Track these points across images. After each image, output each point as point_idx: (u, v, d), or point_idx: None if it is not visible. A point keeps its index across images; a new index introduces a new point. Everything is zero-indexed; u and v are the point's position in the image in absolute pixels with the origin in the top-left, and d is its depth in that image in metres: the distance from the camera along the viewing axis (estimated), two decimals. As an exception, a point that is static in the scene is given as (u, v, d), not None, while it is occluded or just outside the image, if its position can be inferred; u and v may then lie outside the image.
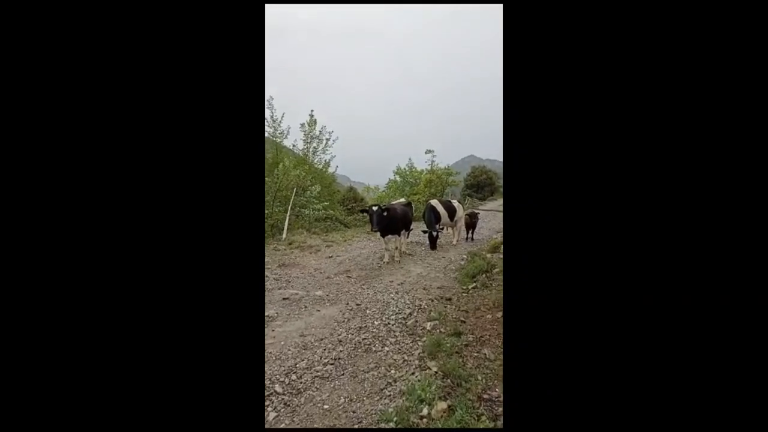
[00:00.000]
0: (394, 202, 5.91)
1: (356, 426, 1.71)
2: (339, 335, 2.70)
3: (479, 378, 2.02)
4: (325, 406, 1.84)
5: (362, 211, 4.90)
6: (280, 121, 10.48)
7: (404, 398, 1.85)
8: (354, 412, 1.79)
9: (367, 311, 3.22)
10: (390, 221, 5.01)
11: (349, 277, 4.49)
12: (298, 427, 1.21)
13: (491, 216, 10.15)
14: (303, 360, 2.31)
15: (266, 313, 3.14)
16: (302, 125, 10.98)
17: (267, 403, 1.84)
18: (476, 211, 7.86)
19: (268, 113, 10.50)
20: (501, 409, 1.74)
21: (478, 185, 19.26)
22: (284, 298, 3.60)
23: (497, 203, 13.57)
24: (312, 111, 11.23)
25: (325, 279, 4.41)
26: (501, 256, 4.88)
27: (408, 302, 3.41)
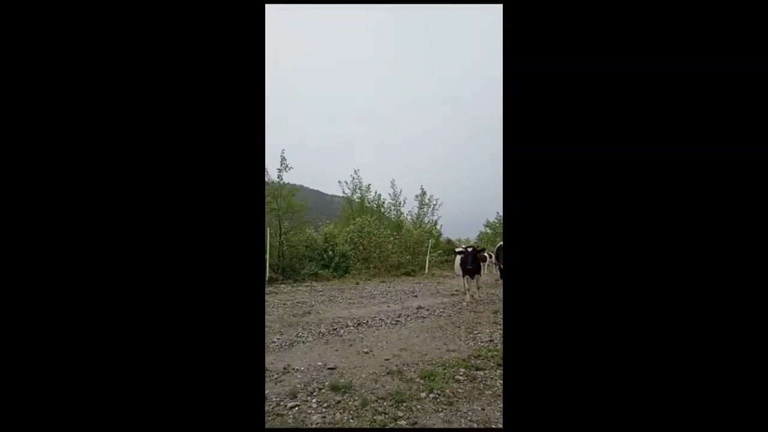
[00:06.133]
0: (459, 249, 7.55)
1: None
2: (459, 305, 6.92)
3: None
4: (426, 321, 5.31)
5: (458, 253, 6.94)
6: (399, 195, 16.19)
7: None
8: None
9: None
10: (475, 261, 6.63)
11: (457, 291, 8.78)
12: (298, 427, 1.28)
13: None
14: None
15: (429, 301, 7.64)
16: (417, 196, 16.38)
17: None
18: None
19: (391, 191, 16.34)
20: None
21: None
22: (432, 293, 8.04)
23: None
24: (422, 186, 16.75)
25: (448, 286, 8.86)
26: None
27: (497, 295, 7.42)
